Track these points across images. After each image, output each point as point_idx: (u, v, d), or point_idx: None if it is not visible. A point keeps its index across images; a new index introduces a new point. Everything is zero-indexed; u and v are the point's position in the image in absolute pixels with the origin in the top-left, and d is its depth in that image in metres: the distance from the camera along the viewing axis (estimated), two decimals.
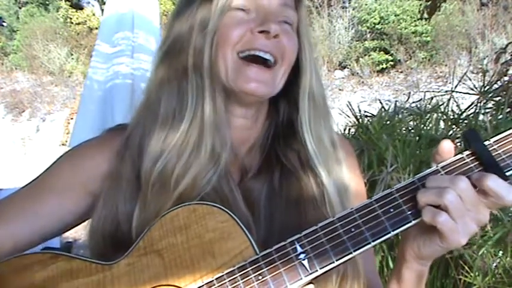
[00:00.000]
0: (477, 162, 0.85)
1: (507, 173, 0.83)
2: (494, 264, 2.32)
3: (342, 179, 1.02)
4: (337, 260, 0.82)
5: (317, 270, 0.81)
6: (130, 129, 1.02)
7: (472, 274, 2.28)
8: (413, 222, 0.83)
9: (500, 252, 2.27)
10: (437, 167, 0.86)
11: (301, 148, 1.01)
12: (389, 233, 0.83)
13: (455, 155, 0.87)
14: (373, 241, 0.83)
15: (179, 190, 0.92)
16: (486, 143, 0.85)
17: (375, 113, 2.96)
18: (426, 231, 0.85)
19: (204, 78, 0.95)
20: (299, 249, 0.83)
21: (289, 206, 0.97)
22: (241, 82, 0.95)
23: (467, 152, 0.86)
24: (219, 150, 0.96)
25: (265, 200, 0.98)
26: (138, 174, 0.96)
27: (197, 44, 0.96)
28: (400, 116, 2.85)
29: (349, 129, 2.90)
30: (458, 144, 2.50)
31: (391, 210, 0.84)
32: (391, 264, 2.34)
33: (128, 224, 0.93)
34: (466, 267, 2.31)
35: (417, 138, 2.61)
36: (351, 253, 0.82)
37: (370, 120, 2.87)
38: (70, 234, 5.98)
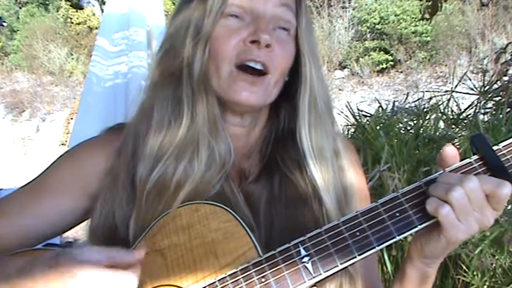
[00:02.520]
0: (485, 168, 0.84)
1: None
2: (493, 264, 2.32)
3: (345, 187, 1.01)
4: (341, 264, 0.81)
5: (321, 274, 0.81)
6: (125, 132, 1.01)
7: (470, 274, 2.29)
8: (419, 227, 0.83)
9: (498, 252, 2.27)
10: (444, 171, 0.85)
11: (300, 157, 1.00)
12: (395, 237, 0.82)
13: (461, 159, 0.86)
14: (378, 245, 0.82)
15: (181, 197, 0.90)
16: (495, 147, 0.85)
17: (374, 113, 2.95)
18: (429, 229, 0.85)
19: (196, 85, 0.94)
20: (303, 252, 0.82)
21: (289, 213, 0.96)
22: (232, 93, 0.94)
23: (475, 157, 0.85)
24: (223, 156, 0.95)
25: (265, 205, 0.97)
26: (132, 180, 0.95)
27: (190, 52, 0.95)
28: (398, 115, 2.85)
29: (348, 129, 2.90)
30: (458, 144, 2.50)
31: (397, 214, 0.83)
32: (388, 264, 2.34)
33: (125, 229, 0.93)
34: (464, 267, 2.31)
35: (415, 137, 2.61)
36: (356, 257, 0.82)
37: (368, 120, 2.87)
38: (70, 234, 5.97)
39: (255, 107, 0.99)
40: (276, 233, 0.93)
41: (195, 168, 0.92)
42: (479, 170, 0.84)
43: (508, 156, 0.84)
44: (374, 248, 0.82)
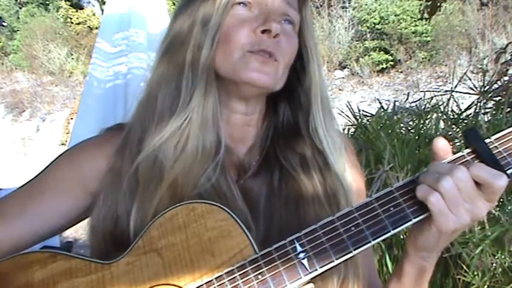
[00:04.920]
0: (477, 160, 0.84)
1: (508, 171, 0.83)
2: (493, 264, 2.32)
3: (349, 176, 1.03)
4: (337, 259, 0.82)
5: (317, 270, 0.81)
6: (129, 126, 1.02)
7: (470, 273, 2.29)
8: (414, 220, 0.83)
9: (499, 252, 2.27)
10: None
11: (306, 149, 1.01)
12: (390, 231, 0.83)
13: (454, 154, 0.86)
14: (373, 240, 0.82)
15: (176, 187, 0.92)
16: (487, 140, 0.85)
17: (374, 113, 2.96)
18: (422, 221, 0.85)
19: (198, 74, 0.95)
20: (299, 249, 0.83)
21: (289, 208, 0.96)
22: (244, 72, 0.95)
23: (467, 150, 0.86)
24: (215, 148, 0.96)
25: (264, 200, 0.98)
26: (136, 171, 0.96)
27: (197, 40, 0.96)
28: (399, 115, 2.86)
29: (349, 129, 2.91)
30: (458, 144, 2.50)
31: (391, 208, 0.84)
32: (389, 264, 2.34)
33: (127, 222, 0.94)
34: (465, 267, 2.31)
35: (416, 137, 2.61)
36: (351, 252, 0.82)
37: (369, 120, 2.88)
38: (70, 234, 5.98)
39: (264, 89, 0.99)
40: (275, 230, 0.93)
41: (189, 158, 0.93)
42: (472, 164, 0.84)
43: (500, 149, 0.84)
44: (369, 242, 0.82)
